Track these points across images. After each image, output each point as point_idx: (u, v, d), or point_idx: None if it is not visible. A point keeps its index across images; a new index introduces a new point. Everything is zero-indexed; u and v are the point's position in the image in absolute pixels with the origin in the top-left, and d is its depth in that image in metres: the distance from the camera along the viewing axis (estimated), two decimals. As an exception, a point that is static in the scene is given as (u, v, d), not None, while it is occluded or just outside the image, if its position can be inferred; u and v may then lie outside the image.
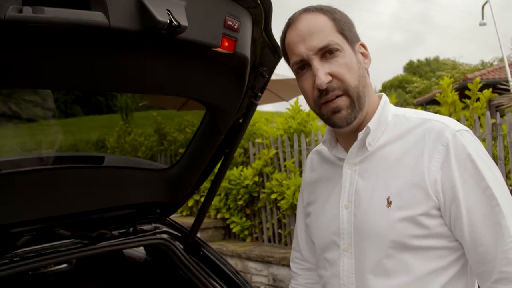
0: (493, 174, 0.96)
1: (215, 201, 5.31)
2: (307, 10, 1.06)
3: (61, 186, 1.57)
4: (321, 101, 1.02)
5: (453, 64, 26.78)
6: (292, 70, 1.09)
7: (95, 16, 0.83)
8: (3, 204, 1.45)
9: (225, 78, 1.35)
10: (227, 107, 1.53)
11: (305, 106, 5.80)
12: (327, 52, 1.00)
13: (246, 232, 5.27)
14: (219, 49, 1.11)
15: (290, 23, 1.06)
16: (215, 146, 1.69)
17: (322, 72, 0.99)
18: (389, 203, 0.98)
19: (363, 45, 1.08)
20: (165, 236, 1.92)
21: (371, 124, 1.04)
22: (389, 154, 1.02)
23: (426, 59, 44.57)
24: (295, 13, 1.07)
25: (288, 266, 4.21)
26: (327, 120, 1.05)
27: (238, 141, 1.68)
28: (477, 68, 23.32)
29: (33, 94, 1.48)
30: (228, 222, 5.40)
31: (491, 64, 23.67)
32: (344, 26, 1.03)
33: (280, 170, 4.89)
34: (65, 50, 0.90)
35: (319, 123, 4.98)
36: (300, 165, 4.68)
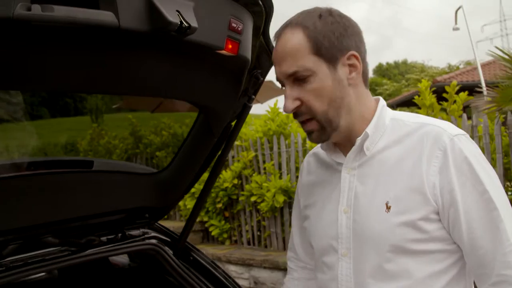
0: (490, 178, 0.97)
1: (194, 204, 5.25)
2: (289, 24, 1.03)
3: (49, 192, 1.52)
4: (296, 121, 1.05)
5: (421, 67, 27.47)
6: None
7: (105, 16, 0.80)
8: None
9: (223, 80, 1.33)
10: (222, 110, 1.51)
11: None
12: (296, 78, 1.00)
13: (225, 235, 5.23)
14: (223, 52, 1.09)
15: (275, 40, 1.05)
16: (208, 149, 1.67)
17: (290, 98, 1.00)
18: (388, 208, 0.98)
19: (354, 56, 1.02)
20: (154, 241, 1.88)
21: (369, 129, 1.03)
22: (387, 159, 1.03)
23: (395, 62, 45.52)
24: (281, 26, 1.05)
25: (269, 268, 4.21)
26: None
27: (231, 144, 1.67)
28: (444, 71, 24.00)
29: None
30: (206, 225, 5.35)
31: (457, 68, 24.41)
32: (323, 42, 0.98)
33: (259, 173, 4.89)
34: (72, 51, 0.87)
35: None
36: (280, 167, 4.69)
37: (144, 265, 2.11)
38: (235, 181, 4.98)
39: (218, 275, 1.81)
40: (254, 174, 4.86)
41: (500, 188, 0.98)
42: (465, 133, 1.02)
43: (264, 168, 4.81)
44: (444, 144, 0.96)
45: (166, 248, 1.87)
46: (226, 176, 4.96)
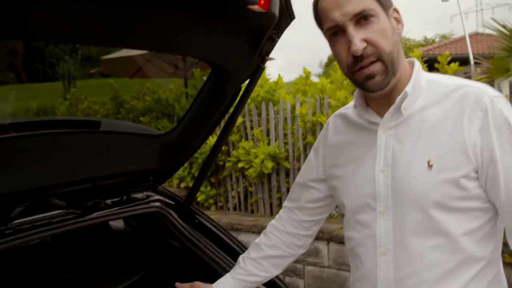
0: None
1: (179, 170, 5.21)
2: None
3: (56, 153, 1.46)
4: (356, 67, 1.02)
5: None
6: (325, 36, 1.08)
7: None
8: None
9: (245, 39, 1.29)
10: (237, 70, 1.48)
11: (271, 76, 5.75)
12: (362, 18, 0.99)
13: (211, 201, 5.24)
14: (255, 7, 1.05)
15: None
16: (219, 110, 1.64)
17: (357, 38, 0.99)
18: (430, 166, 1.01)
19: (396, 10, 1.07)
20: (159, 204, 1.85)
21: (408, 89, 1.05)
22: (426, 119, 1.04)
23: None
24: None
25: (258, 233, 4.24)
26: (361, 85, 1.06)
27: (242, 106, 1.63)
28: (421, 44, 24.17)
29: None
30: (192, 191, 5.32)
31: (433, 41, 24.63)
32: None
33: (247, 139, 4.87)
34: (100, 2, 0.81)
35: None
36: (268, 134, 4.68)
37: (138, 229, 2.09)
38: (222, 147, 4.95)
39: (225, 238, 1.81)
40: (241, 140, 4.84)
41: None
42: (502, 95, 1.04)
43: (252, 134, 4.79)
44: (485, 104, 0.99)
45: (171, 211, 1.85)
46: (213, 142, 4.91)
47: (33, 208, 1.52)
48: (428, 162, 1.01)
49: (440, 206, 1.00)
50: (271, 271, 1.34)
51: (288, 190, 4.49)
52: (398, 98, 1.04)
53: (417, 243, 1.03)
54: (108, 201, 1.73)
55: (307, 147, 4.33)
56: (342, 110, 1.25)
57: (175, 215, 1.85)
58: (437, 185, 1.00)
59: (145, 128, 1.82)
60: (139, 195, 1.85)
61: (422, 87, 1.07)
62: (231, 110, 1.66)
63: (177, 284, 1.35)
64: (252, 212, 4.88)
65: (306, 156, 4.33)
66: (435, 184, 1.00)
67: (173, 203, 1.89)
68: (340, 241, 3.52)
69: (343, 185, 1.17)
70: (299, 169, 4.44)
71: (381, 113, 1.09)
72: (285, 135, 4.57)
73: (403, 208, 1.04)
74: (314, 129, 4.27)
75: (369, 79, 1.02)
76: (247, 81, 1.60)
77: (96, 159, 1.57)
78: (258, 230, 4.11)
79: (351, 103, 1.21)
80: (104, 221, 1.72)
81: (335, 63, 4.60)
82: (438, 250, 1.02)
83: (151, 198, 1.85)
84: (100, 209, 1.66)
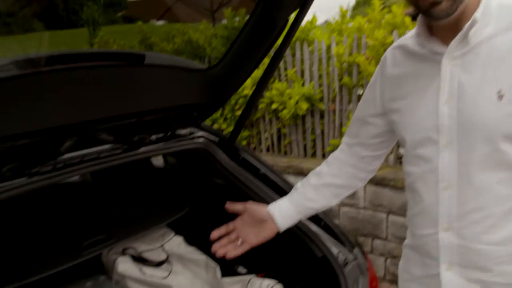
0: None
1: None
2: None
3: (101, 86, 1.43)
4: None
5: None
6: None
7: None
8: (43, 107, 1.31)
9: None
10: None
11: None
12: None
13: (243, 142, 5.23)
14: None
15: None
16: (267, 42, 1.56)
17: None
18: (500, 96, 0.93)
19: None
20: (202, 140, 1.83)
21: (477, 15, 0.96)
22: (497, 47, 0.96)
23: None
24: None
25: (293, 174, 4.26)
26: (425, 12, 0.97)
27: (290, 38, 1.55)
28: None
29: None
30: (225, 132, 5.32)
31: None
32: None
33: (280, 80, 4.76)
34: None
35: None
36: (302, 75, 4.55)
37: (189, 166, 2.09)
38: (270, 80, 4.85)
39: (273, 177, 1.77)
40: (275, 81, 4.74)
41: None
42: None
43: (286, 75, 4.68)
44: None
45: (216, 147, 1.83)
46: (246, 83, 4.82)
47: (81, 142, 1.51)
48: (499, 93, 0.93)
49: (510, 138, 0.95)
50: (330, 200, 1.30)
51: (322, 132, 4.42)
52: (467, 25, 0.96)
53: (484, 176, 0.98)
54: (153, 137, 1.71)
55: (342, 88, 4.21)
56: (400, 41, 1.17)
57: (220, 151, 1.82)
58: (508, 117, 0.93)
59: (189, 62, 1.76)
60: (183, 131, 1.83)
61: (492, 12, 0.97)
62: (278, 43, 1.58)
63: (227, 203, 1.32)
64: (286, 153, 4.86)
65: (341, 97, 4.22)
66: (505, 115, 0.93)
67: (217, 139, 1.87)
68: (377, 182, 3.48)
69: (403, 119, 1.11)
70: (334, 110, 4.34)
71: (446, 42, 1.01)
72: (320, 76, 4.45)
73: (470, 141, 0.98)
74: (350, 70, 4.12)
75: (434, 5, 0.93)
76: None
77: (141, 92, 1.54)
78: (293, 171, 4.11)
79: (410, 33, 1.12)
80: (150, 156, 1.71)
81: (373, 1, 4.36)
82: (507, 183, 0.97)
83: (195, 134, 1.83)
84: (145, 144, 1.65)
